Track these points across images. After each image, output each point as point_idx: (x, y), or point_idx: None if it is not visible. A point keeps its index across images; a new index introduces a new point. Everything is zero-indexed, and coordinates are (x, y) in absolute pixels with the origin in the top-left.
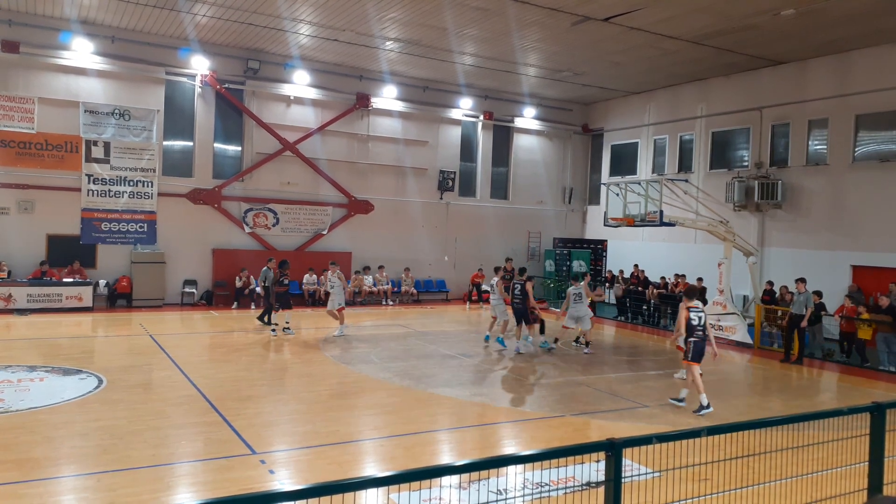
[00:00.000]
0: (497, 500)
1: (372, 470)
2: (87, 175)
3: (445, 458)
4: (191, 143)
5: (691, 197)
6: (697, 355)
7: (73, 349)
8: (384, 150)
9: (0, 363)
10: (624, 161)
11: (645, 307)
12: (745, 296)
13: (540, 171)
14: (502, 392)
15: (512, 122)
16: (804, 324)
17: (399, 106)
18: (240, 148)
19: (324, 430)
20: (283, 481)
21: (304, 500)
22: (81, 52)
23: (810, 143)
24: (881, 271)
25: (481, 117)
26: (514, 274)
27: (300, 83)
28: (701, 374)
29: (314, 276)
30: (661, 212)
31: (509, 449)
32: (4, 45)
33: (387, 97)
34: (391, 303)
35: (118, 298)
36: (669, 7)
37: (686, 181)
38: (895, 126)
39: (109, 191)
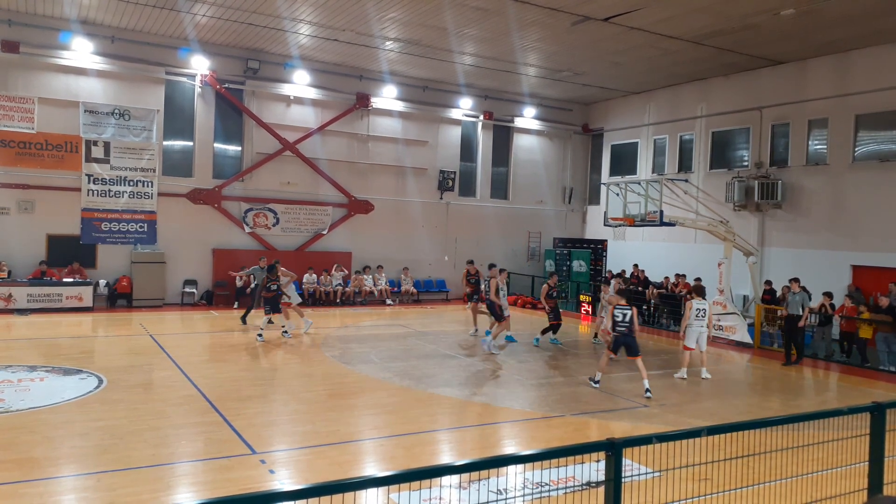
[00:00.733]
0: (497, 500)
1: (372, 470)
2: (87, 175)
3: (445, 458)
4: (191, 143)
5: (691, 197)
6: (616, 347)
7: (74, 349)
8: (384, 149)
9: (0, 363)
10: (624, 161)
11: (645, 307)
12: (745, 296)
13: (540, 171)
14: (502, 392)
15: (512, 122)
16: (802, 323)
17: (399, 106)
18: (240, 148)
19: (324, 430)
20: (283, 481)
21: (304, 500)
22: (81, 52)
23: (810, 142)
24: (881, 271)
25: (481, 117)
26: (478, 276)
27: (300, 83)
28: (612, 358)
29: (314, 275)
30: (661, 212)
31: (509, 449)
32: (4, 45)
33: (387, 97)
34: (391, 303)
35: (118, 298)
36: (669, 7)
37: (686, 181)
38: (895, 126)
39: (109, 191)
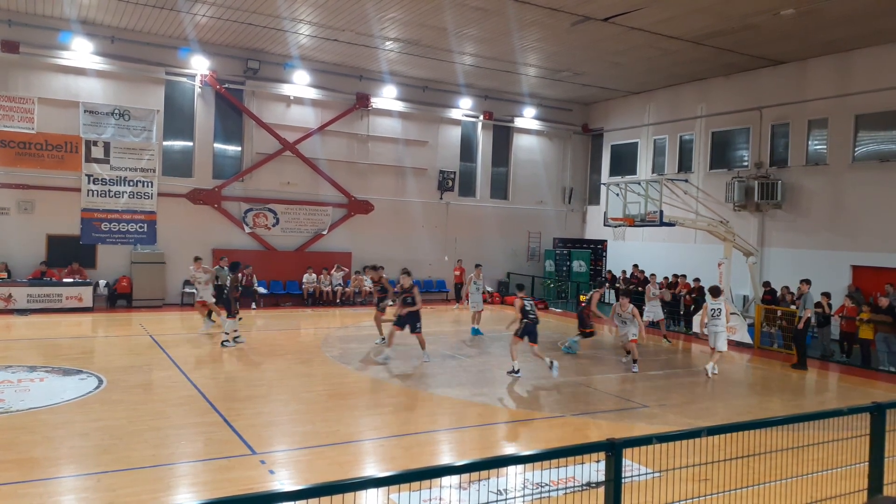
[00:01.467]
0: (497, 501)
1: (372, 470)
2: (86, 175)
3: (445, 459)
4: (191, 144)
5: (691, 197)
6: (522, 333)
7: (73, 349)
8: (384, 150)
9: (0, 363)
10: (624, 161)
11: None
12: (744, 296)
13: (540, 171)
14: (502, 392)
15: (512, 122)
16: (800, 326)
17: (399, 106)
18: (240, 148)
19: (324, 431)
20: (283, 481)
21: (304, 500)
22: (81, 52)
23: (810, 143)
24: (881, 271)
25: (481, 117)
26: (381, 283)
27: (300, 83)
28: (515, 345)
29: (314, 275)
30: (661, 212)
31: (509, 449)
32: (4, 45)
33: (386, 97)
34: (390, 303)
35: (118, 298)
36: (669, 7)
37: (686, 181)
38: (895, 126)
39: (109, 191)
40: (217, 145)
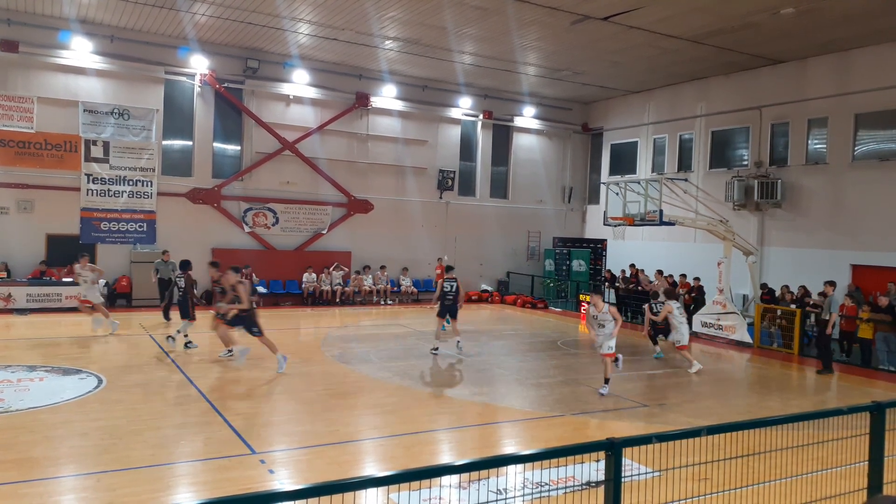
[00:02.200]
0: (497, 500)
1: (372, 470)
2: (86, 175)
3: (445, 458)
4: (190, 143)
5: (691, 196)
6: (443, 312)
7: (73, 349)
8: (384, 149)
9: (0, 363)
10: (623, 160)
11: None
12: (744, 295)
13: (539, 171)
14: (502, 392)
15: (511, 121)
16: (829, 331)
17: (398, 105)
18: (239, 147)
19: (324, 430)
20: (283, 481)
21: (304, 500)
22: (80, 51)
23: (810, 142)
24: (881, 271)
25: (481, 116)
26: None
27: (299, 82)
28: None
29: (313, 274)
30: (661, 211)
31: (509, 449)
32: (3, 45)
33: (386, 96)
34: (390, 302)
35: (118, 298)
36: (669, 6)
37: (686, 180)
38: (895, 125)
39: (109, 190)
40: (216, 144)
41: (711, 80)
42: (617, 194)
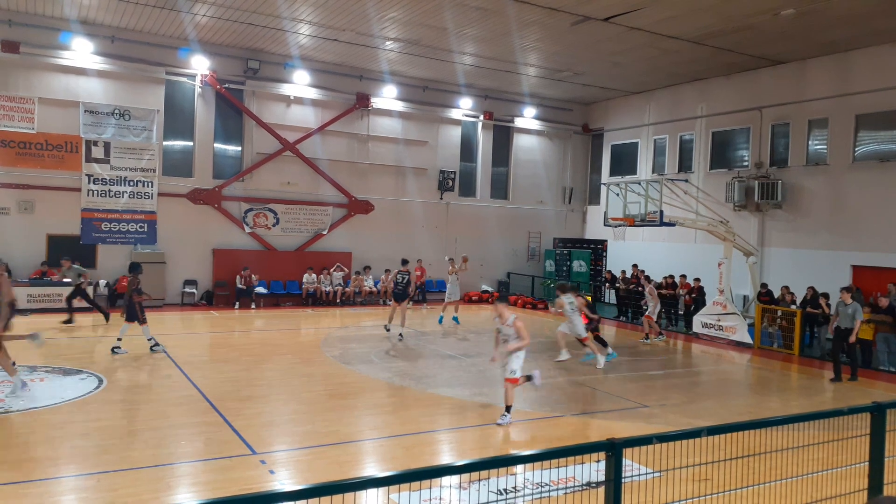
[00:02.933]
0: (497, 500)
1: (372, 470)
2: (87, 175)
3: (445, 458)
4: (191, 143)
5: (691, 197)
6: (397, 298)
7: (74, 349)
8: (384, 150)
9: None
10: (624, 161)
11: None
12: (745, 296)
13: (540, 171)
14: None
15: (512, 122)
16: (853, 339)
17: (399, 106)
18: (240, 148)
19: (324, 430)
20: (283, 481)
21: (304, 500)
22: (81, 52)
23: (810, 142)
24: (881, 271)
25: (481, 117)
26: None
27: (300, 83)
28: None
29: (314, 275)
30: (661, 212)
31: (509, 449)
32: (4, 46)
33: (387, 97)
34: (391, 303)
35: (118, 298)
36: (669, 7)
37: (686, 181)
38: (895, 126)
39: (109, 191)
40: (217, 145)
41: (712, 81)
42: (617, 195)
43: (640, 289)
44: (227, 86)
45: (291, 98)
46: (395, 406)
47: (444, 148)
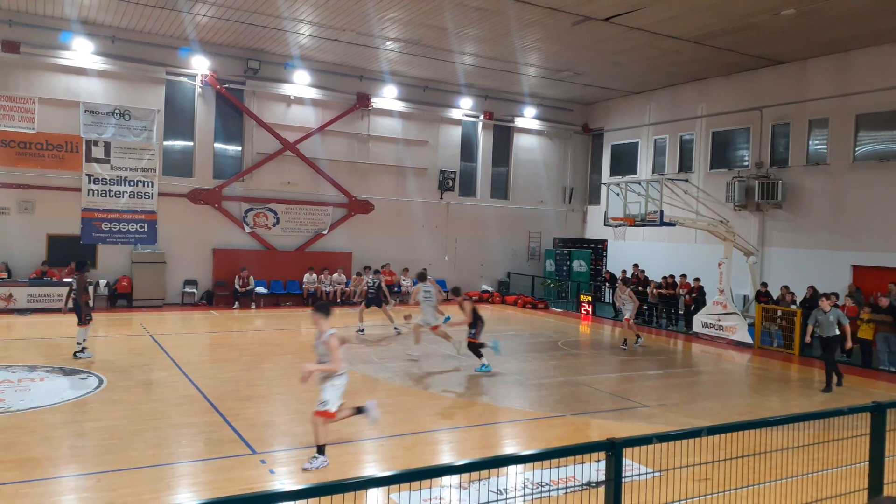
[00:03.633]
0: (497, 500)
1: (372, 470)
2: (87, 175)
3: (446, 458)
4: (191, 143)
5: (691, 197)
6: (368, 304)
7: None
8: (384, 150)
9: (0, 363)
10: (624, 161)
11: (645, 307)
12: (745, 295)
13: (540, 171)
14: (502, 392)
15: (512, 121)
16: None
17: (399, 106)
18: (240, 148)
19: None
20: (283, 481)
21: (305, 500)
22: (82, 52)
23: (810, 142)
24: (881, 271)
25: (481, 117)
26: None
27: (300, 83)
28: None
29: (314, 275)
30: (662, 212)
31: (509, 449)
32: (5, 46)
33: (387, 97)
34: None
35: (118, 298)
36: (670, 7)
37: (686, 181)
38: (895, 126)
39: (110, 191)
40: (217, 145)
41: (712, 81)
42: (618, 195)
43: (640, 288)
44: (227, 86)
45: (292, 98)
46: (395, 406)
47: (444, 148)
